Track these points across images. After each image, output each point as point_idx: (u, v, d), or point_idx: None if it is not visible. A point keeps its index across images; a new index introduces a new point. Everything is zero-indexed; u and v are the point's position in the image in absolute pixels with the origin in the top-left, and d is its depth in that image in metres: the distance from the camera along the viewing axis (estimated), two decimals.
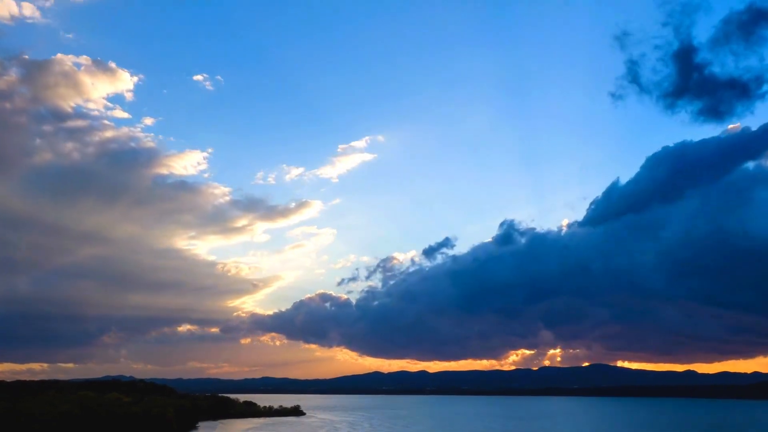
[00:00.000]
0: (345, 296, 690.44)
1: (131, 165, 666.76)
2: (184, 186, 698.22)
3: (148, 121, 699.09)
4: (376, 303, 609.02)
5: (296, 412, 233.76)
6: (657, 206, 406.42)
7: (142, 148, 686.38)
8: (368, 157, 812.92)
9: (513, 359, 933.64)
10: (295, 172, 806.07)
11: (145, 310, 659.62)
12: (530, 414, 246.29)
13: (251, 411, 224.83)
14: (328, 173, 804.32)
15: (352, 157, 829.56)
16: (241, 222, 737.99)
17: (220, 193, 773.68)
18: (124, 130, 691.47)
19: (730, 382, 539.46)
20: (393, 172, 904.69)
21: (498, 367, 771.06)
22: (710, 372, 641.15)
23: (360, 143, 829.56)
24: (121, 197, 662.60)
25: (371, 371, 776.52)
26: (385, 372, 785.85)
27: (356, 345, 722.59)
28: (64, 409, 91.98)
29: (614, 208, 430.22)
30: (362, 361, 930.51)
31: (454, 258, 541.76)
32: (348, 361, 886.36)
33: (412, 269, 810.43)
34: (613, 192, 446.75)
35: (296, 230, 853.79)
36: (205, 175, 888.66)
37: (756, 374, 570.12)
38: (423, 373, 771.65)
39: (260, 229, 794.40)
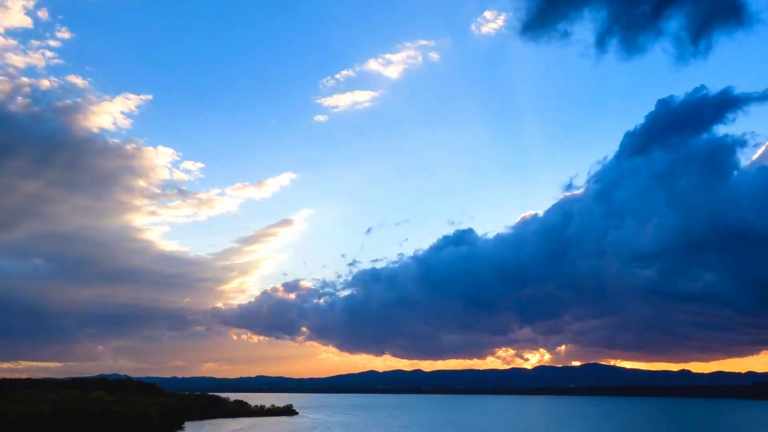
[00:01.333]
0: (325, 287, 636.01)
1: (56, 113, 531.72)
2: (129, 145, 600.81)
3: (63, 33, 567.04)
4: (358, 297, 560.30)
5: (288, 411, 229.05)
6: (633, 191, 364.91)
7: (67, 87, 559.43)
8: (362, 97, 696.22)
9: (506, 358, 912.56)
10: (267, 125, 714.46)
11: (115, 303, 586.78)
12: (538, 416, 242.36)
13: (242, 410, 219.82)
14: (310, 124, 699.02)
15: (339, 99, 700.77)
16: (202, 195, 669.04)
17: (170, 155, 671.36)
18: (36, 58, 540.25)
19: (724, 381, 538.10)
20: (391, 121, 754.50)
21: (494, 367, 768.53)
22: (705, 371, 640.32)
23: (348, 74, 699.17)
24: (53, 158, 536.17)
25: (367, 370, 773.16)
26: (381, 371, 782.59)
27: (338, 340, 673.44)
28: (38, 410, 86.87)
29: (595, 190, 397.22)
30: (344, 358, 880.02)
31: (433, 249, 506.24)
32: (336, 359, 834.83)
33: (388, 259, 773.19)
34: (600, 171, 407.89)
35: (267, 207, 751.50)
36: (144, 137, 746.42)
37: (751, 374, 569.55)
38: (418, 372, 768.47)
39: (223, 206, 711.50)
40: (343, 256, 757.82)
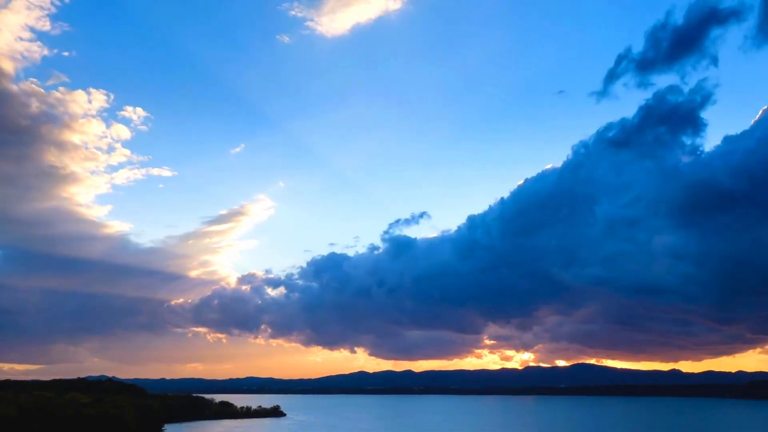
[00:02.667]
0: (285, 277, 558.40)
1: None
2: (50, 84, 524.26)
3: None
4: (317, 288, 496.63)
5: (276, 412, 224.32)
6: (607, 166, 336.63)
7: None
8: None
9: (484, 355, 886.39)
10: (223, 48, 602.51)
11: (67, 296, 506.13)
12: (530, 417, 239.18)
13: (227, 412, 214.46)
14: (272, 46, 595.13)
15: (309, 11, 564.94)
16: (150, 159, 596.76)
17: (103, 100, 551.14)
18: None
19: (715, 381, 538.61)
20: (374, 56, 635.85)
21: (484, 367, 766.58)
22: (695, 371, 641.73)
23: None
24: None
25: (357, 371, 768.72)
26: (371, 372, 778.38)
27: (303, 338, 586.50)
28: (1, 413, 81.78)
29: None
30: (332, 357, 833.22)
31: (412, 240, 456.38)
32: (318, 359, 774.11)
33: (344, 243, 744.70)
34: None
35: (228, 181, 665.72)
36: (64, 71, 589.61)
37: (741, 373, 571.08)
38: (409, 373, 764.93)
39: (179, 178, 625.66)
40: (298, 241, 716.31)
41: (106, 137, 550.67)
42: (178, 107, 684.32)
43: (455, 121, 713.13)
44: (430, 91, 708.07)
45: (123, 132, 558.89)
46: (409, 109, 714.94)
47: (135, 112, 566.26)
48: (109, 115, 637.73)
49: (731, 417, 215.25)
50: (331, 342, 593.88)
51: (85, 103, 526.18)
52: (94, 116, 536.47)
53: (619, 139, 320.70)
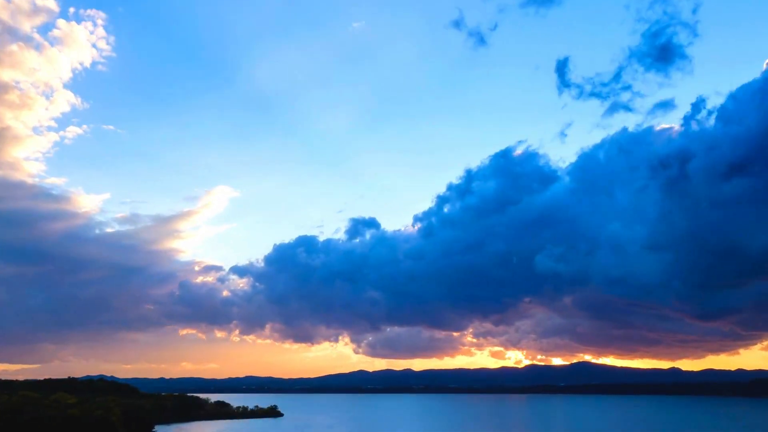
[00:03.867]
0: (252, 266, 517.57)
1: None
2: None
3: None
4: (287, 276, 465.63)
5: (273, 412, 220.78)
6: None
7: None
8: None
9: (472, 352, 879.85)
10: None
11: (32, 289, 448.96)
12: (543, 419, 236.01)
13: (223, 412, 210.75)
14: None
15: None
16: (110, 115, 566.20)
17: (26, 8, 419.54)
18: None
19: (714, 379, 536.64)
20: None
21: (484, 366, 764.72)
22: (695, 369, 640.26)
23: None
24: None
25: (357, 370, 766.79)
26: (371, 371, 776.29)
27: (280, 334, 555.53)
28: None
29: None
30: (330, 356, 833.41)
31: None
32: (308, 356, 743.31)
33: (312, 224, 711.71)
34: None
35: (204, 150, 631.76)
36: None
37: (740, 371, 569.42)
38: (408, 372, 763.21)
39: (146, 142, 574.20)
40: (267, 223, 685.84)
41: (39, 70, 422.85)
42: (130, 15, 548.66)
43: (424, 75, 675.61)
44: (402, 49, 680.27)
45: (61, 64, 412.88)
46: (377, 66, 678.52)
47: (71, 28, 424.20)
48: (41, 32, 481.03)
49: (732, 415, 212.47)
50: (307, 337, 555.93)
51: (3, 10, 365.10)
52: (21, 38, 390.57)
53: (591, 94, 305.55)
